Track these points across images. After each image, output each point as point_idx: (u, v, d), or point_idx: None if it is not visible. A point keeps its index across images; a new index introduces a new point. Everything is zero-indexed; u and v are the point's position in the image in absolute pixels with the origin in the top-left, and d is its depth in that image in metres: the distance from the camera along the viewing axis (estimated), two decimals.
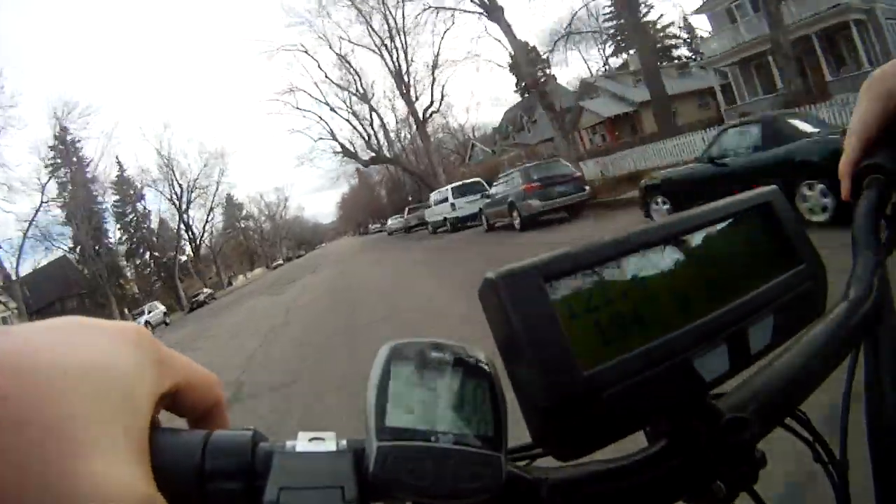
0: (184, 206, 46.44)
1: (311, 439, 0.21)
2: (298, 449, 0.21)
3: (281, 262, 73.67)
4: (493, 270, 0.23)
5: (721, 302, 0.27)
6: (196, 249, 49.26)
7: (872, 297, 0.34)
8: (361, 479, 0.21)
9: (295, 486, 0.20)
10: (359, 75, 30.66)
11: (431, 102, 28.86)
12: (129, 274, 47.26)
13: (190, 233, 48.20)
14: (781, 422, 0.32)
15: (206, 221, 50.80)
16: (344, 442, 0.22)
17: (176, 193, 46.56)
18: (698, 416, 0.27)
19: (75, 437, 0.17)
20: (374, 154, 31.21)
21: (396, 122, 38.78)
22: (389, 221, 34.64)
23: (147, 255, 47.98)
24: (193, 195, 47.15)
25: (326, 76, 31.15)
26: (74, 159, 38.57)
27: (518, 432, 0.25)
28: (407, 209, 28.53)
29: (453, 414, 0.22)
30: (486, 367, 0.24)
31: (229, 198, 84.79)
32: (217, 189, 51.42)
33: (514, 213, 11.75)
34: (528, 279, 0.23)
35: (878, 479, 0.35)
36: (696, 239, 0.28)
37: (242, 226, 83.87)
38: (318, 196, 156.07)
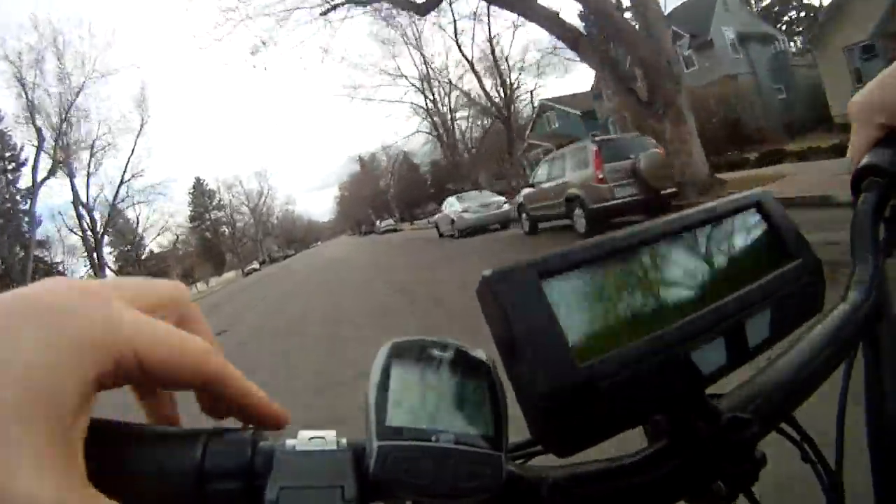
0: (59, 161, 27.43)
1: (311, 438, 0.21)
2: (299, 448, 0.21)
3: (256, 265, 56.67)
4: (491, 269, 0.24)
5: (717, 296, 0.27)
6: (95, 248, 31.16)
7: (872, 299, 0.35)
8: (361, 478, 0.21)
9: (295, 486, 0.20)
10: None
11: None
12: None
13: (84, 214, 30.54)
14: (783, 421, 0.32)
15: (115, 198, 31.71)
16: (344, 441, 0.22)
17: (57, 136, 27.43)
18: (699, 416, 0.27)
19: None
20: None
21: None
22: (451, 207, 14.73)
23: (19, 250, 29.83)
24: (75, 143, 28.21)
25: None
26: None
27: (518, 432, 0.25)
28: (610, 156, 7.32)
29: (453, 413, 0.23)
30: (486, 366, 0.24)
31: (198, 182, 67.48)
32: (137, 140, 32.57)
33: None
34: (525, 277, 0.24)
35: (877, 479, 0.35)
36: (692, 236, 0.29)
37: (214, 217, 66.46)
38: (314, 195, 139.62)
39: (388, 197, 57.84)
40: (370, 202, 62.02)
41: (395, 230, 39.51)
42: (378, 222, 48.90)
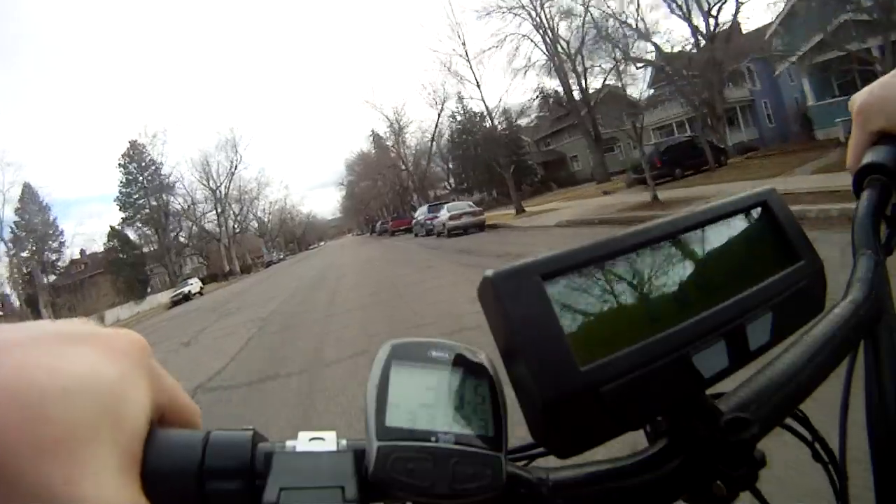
0: None
1: (311, 439, 0.21)
2: (298, 449, 0.21)
3: (194, 285, 33.55)
4: (492, 270, 0.24)
5: (719, 299, 0.27)
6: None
7: (873, 297, 0.35)
8: (361, 479, 0.21)
9: (295, 486, 0.20)
10: None
11: None
12: None
13: None
14: (782, 422, 0.32)
15: None
16: (344, 442, 0.22)
17: None
18: (698, 416, 0.27)
19: (63, 460, 0.16)
20: None
21: None
22: None
23: None
24: None
25: None
26: None
27: (518, 432, 0.26)
28: None
29: (453, 414, 0.23)
30: (486, 367, 0.24)
31: (133, 147, 44.53)
32: None
33: None
34: (527, 278, 0.24)
35: (878, 479, 0.36)
36: (694, 237, 0.29)
37: (154, 205, 43.52)
38: (320, 192, 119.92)
39: (412, 178, 35.48)
40: (393, 182, 39.60)
41: (459, 229, 17.18)
42: (422, 209, 24.57)
